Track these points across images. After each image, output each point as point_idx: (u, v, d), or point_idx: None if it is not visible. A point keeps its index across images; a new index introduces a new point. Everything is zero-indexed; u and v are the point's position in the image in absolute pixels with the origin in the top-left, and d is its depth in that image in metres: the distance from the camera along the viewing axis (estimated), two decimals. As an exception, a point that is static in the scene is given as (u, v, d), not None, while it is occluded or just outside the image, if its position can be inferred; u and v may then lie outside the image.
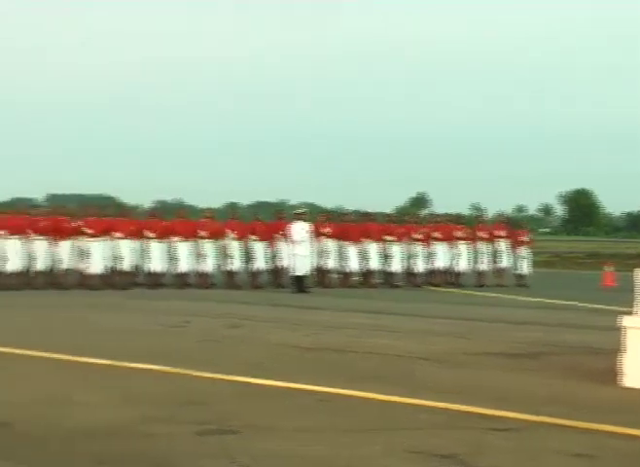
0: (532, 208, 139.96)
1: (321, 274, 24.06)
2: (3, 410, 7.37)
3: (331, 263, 23.89)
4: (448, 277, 25.48)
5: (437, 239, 25.10)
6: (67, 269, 21.72)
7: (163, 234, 22.65)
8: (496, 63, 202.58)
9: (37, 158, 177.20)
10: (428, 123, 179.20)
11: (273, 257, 23.47)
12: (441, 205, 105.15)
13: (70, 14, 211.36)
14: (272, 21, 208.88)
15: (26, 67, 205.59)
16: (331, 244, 23.89)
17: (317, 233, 23.48)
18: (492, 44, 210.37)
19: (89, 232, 21.59)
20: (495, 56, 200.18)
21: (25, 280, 21.26)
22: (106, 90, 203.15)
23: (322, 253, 23.68)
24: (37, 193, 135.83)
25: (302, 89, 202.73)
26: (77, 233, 21.64)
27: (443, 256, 25.08)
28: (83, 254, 21.58)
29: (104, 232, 21.85)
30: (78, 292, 20.64)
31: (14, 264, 20.83)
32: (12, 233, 20.93)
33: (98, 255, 21.60)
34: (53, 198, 75.61)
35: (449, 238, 25.25)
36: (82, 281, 21.80)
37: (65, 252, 21.49)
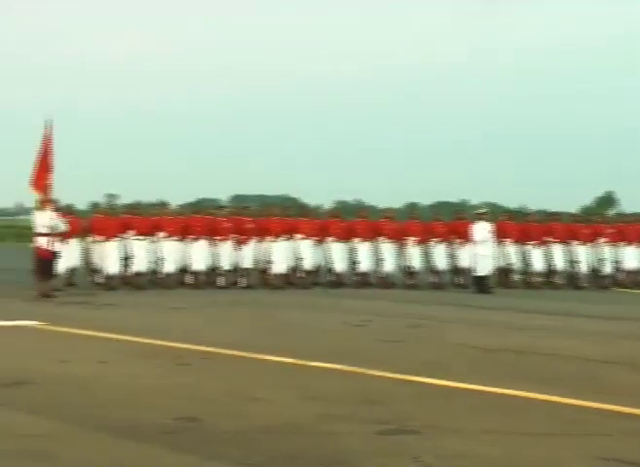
0: None
1: (503, 275, 23.74)
2: (194, 405, 7.68)
3: (513, 263, 23.55)
4: (638, 278, 24.60)
5: (625, 240, 24.29)
6: (248, 269, 22.30)
7: (344, 235, 22.91)
8: None
9: (223, 159, 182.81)
10: (619, 117, 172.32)
11: (453, 257, 23.32)
12: (630, 205, 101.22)
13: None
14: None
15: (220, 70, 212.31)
16: (512, 245, 23.53)
17: (499, 234, 23.17)
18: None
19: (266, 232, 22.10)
20: None
21: (210, 280, 21.97)
22: (290, 95, 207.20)
23: (504, 253, 23.36)
24: (222, 193, 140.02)
25: (488, 86, 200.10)
26: (258, 233, 22.18)
27: (631, 257, 24.24)
28: (266, 254, 22.11)
29: (285, 232, 22.32)
30: (260, 291, 21.17)
31: (198, 264, 21.57)
32: (198, 235, 21.68)
33: (280, 255, 22.07)
34: (238, 199, 77.71)
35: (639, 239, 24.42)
36: (264, 281, 22.34)
37: (248, 252, 22.07)
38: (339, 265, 22.81)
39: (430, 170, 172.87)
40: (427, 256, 23.39)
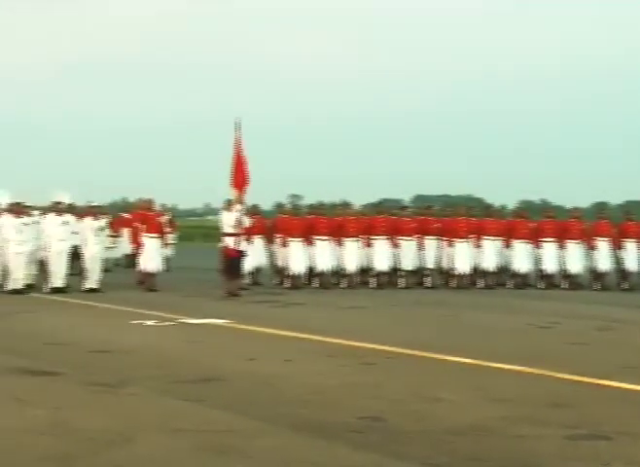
0: None
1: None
2: (378, 404, 7.76)
3: None
4: None
5: None
6: (431, 269, 22.28)
7: (530, 235, 22.50)
8: None
9: (405, 159, 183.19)
10: None
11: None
12: None
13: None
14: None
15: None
16: None
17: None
18: None
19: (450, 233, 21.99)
20: None
21: (392, 280, 22.07)
22: (474, 94, 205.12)
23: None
24: (404, 194, 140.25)
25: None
26: (442, 233, 22.11)
27: None
28: (449, 255, 22.02)
29: (471, 233, 22.14)
30: (443, 291, 21.10)
31: (381, 264, 21.69)
32: (379, 234, 21.82)
33: (465, 255, 21.92)
34: (420, 199, 77.61)
35: None
36: (446, 281, 22.26)
37: (431, 252, 22.04)
38: (524, 265, 22.42)
39: (619, 169, 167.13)
40: (617, 257, 22.64)
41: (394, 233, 21.91)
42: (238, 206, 19.06)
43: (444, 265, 22.26)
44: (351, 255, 21.55)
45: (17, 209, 19.33)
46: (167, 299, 18.15)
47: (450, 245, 21.97)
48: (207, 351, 11.03)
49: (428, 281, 22.19)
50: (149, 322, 13.80)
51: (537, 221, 23.43)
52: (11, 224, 19.05)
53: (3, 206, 19.77)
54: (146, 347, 11.25)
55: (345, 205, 25.25)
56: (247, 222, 19.37)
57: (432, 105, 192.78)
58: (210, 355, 10.66)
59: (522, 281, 22.55)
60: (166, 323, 13.78)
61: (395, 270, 22.07)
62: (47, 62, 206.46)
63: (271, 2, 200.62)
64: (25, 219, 19.29)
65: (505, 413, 7.36)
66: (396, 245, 21.80)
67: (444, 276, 22.50)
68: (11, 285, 18.94)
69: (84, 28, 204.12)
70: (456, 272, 22.10)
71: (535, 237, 22.54)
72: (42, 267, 19.80)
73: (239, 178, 19.10)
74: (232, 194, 19.24)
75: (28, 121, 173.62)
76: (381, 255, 21.74)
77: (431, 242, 22.14)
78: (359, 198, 47.56)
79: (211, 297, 18.27)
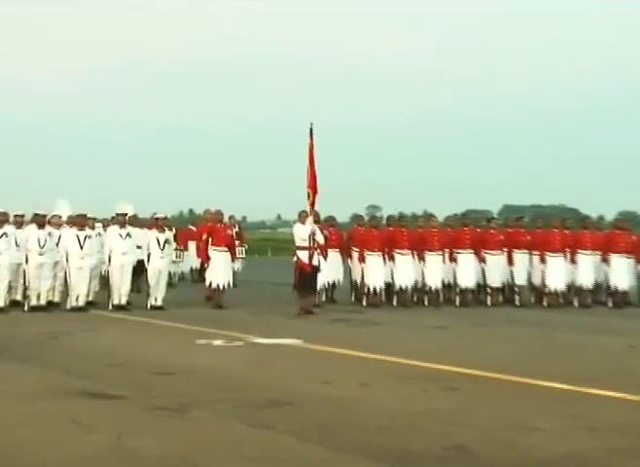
0: None
1: None
2: (462, 432, 7.68)
3: None
4: None
5: None
6: (521, 286, 22.02)
7: (631, 249, 22.07)
8: None
9: (491, 166, 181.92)
10: None
11: None
12: None
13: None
14: None
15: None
16: None
17: None
18: None
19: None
20: None
21: (477, 297, 21.88)
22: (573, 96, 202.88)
23: None
24: (491, 204, 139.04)
25: None
26: (533, 247, 21.84)
27: None
28: (541, 270, 21.73)
29: (565, 246, 21.83)
30: (535, 310, 20.82)
31: (467, 280, 21.49)
32: (464, 248, 21.65)
33: (557, 271, 21.61)
34: (508, 210, 76.96)
35: None
36: (538, 299, 21.97)
37: (520, 267, 21.80)
38: (624, 282, 22.01)
39: None
40: None
41: (480, 246, 21.70)
42: (312, 218, 19.08)
43: (536, 281, 21.97)
44: (434, 270, 21.39)
45: (79, 221, 19.60)
46: (236, 316, 18.23)
47: (542, 260, 21.68)
48: (278, 373, 11.04)
49: (517, 299, 21.92)
50: (216, 342, 13.87)
51: (638, 233, 23.00)
52: (72, 237, 19.32)
53: (63, 218, 20.10)
54: (213, 369, 11.30)
55: (428, 217, 25.09)
56: (321, 236, 19.35)
57: (519, 108, 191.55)
58: (281, 378, 10.66)
59: (622, 299, 22.14)
60: (235, 343, 13.83)
61: (481, 287, 21.88)
62: (113, 70, 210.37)
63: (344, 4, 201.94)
64: (88, 231, 19.53)
65: (607, 444, 7.20)
66: (482, 260, 21.60)
67: (536, 294, 22.19)
68: (72, 302, 19.21)
69: (154, 34, 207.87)
70: (549, 290, 21.79)
71: (637, 252, 22.12)
72: (104, 282, 20.08)
73: (311, 187, 19.13)
74: (306, 205, 19.27)
75: (91, 132, 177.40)
76: (467, 270, 21.53)
77: (521, 257, 21.88)
78: (442, 209, 47.26)
79: (283, 314, 18.31)
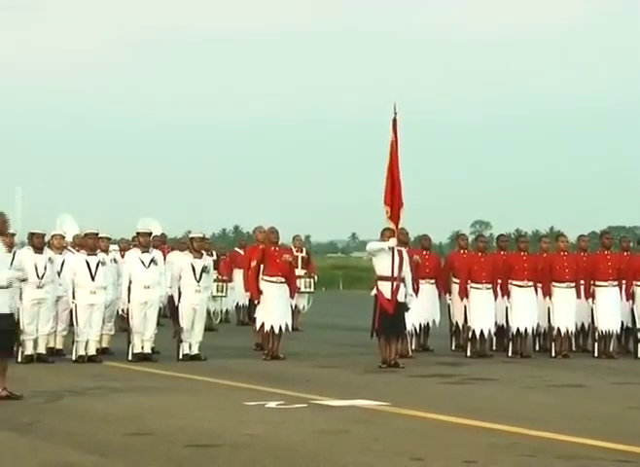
0: None
1: None
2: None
3: None
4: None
5: None
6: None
7: None
8: None
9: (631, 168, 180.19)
10: None
11: None
12: None
13: None
14: None
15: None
16: None
17: None
18: None
19: None
20: None
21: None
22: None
23: None
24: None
25: None
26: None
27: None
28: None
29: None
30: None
31: (609, 322, 21.27)
32: (605, 278, 21.42)
33: None
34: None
35: None
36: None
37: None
38: None
39: None
40: None
41: (629, 276, 21.49)
42: (395, 240, 18.74)
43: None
44: (564, 308, 21.23)
45: (89, 243, 19.58)
46: (297, 370, 18.28)
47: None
48: (352, 446, 11.01)
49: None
50: (271, 403, 13.91)
51: None
52: (80, 263, 19.35)
53: (68, 239, 20.23)
54: (266, 440, 11.33)
55: (555, 236, 24.91)
56: (409, 262, 19.21)
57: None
58: (357, 452, 10.63)
59: None
60: (296, 405, 13.86)
61: (630, 331, 21.67)
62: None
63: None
64: (100, 256, 19.49)
65: None
66: (631, 295, 21.39)
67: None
68: (79, 350, 19.27)
69: None
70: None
71: None
72: (122, 324, 20.17)
73: (394, 199, 18.70)
74: (388, 221, 18.96)
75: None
76: (609, 308, 21.31)
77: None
78: (575, 227, 46.80)
79: (358, 368, 18.32)
